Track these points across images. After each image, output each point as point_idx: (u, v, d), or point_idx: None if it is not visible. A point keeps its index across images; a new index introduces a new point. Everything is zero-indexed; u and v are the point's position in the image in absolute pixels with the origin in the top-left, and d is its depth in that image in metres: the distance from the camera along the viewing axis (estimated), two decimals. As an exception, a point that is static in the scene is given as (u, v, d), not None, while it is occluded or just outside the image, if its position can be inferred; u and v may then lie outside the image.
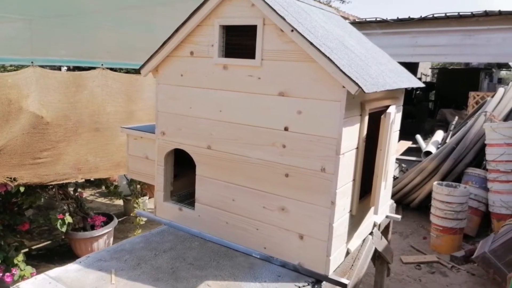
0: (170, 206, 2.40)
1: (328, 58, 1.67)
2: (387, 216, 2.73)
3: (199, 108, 2.17)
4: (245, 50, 1.98)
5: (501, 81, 15.32)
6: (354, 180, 1.98)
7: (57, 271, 1.84)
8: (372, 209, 2.33)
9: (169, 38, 2.14)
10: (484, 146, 4.57)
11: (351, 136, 1.86)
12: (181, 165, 2.55)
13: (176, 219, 2.37)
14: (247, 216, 2.08)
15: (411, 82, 2.36)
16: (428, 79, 18.72)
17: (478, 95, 7.61)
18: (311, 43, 1.70)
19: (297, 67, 1.82)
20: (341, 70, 1.65)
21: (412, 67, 13.64)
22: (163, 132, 2.34)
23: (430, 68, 19.36)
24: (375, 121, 2.25)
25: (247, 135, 2.02)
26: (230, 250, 2.13)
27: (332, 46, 1.85)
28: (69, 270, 1.85)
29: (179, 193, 2.57)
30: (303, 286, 1.84)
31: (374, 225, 2.49)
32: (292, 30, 1.75)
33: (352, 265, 2.25)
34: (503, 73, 19.36)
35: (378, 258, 3.05)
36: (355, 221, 2.11)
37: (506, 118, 4.78)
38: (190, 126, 2.22)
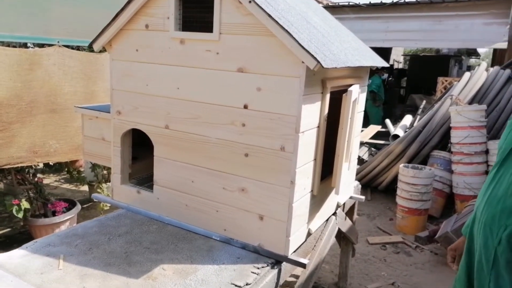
0: (127, 189, 2.30)
1: (287, 31, 1.60)
2: (351, 197, 2.73)
3: (155, 86, 2.06)
4: (204, 24, 1.88)
5: (470, 69, 15.71)
6: (315, 159, 1.94)
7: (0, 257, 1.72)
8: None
9: (122, 9, 2.00)
10: (449, 129, 4.67)
11: (312, 114, 1.81)
12: (141, 147, 2.45)
13: (134, 202, 2.28)
14: (206, 198, 2.01)
15: (375, 61, 2.33)
16: (401, 65, 19.00)
17: (446, 80, 7.76)
18: (270, 16, 1.62)
19: (255, 42, 1.74)
20: (299, 44, 1.58)
21: (384, 53, 13.76)
22: (118, 111, 2.22)
23: (402, 55, 19.62)
24: (339, 101, 2.21)
25: (205, 113, 1.93)
26: (190, 233, 2.07)
27: (292, 20, 1.78)
28: (14, 256, 1.74)
29: (138, 176, 2.47)
30: (262, 267, 1.80)
31: (338, 206, 2.48)
32: (250, 1, 1.66)
33: (315, 245, 2.23)
34: (472, 60, 19.87)
35: (343, 238, 3.07)
36: (316, 201, 2.08)
37: (471, 102, 4.88)
38: (147, 105, 2.11)
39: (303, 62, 1.63)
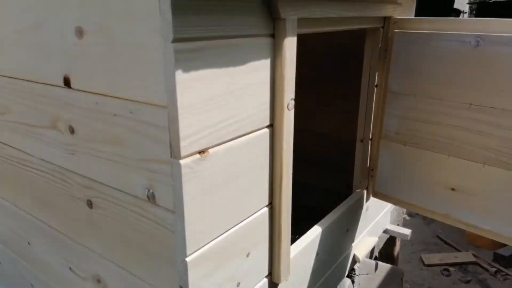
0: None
1: None
2: (385, 231, 1.53)
3: None
4: None
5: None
6: (270, 204, 0.79)
7: None
8: (347, 238, 1.15)
9: None
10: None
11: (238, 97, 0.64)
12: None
13: (-25, 262, 1.29)
14: (51, 280, 0.96)
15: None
16: (466, 16, 16.40)
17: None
18: None
19: None
20: None
21: (446, 2, 11.70)
22: None
23: (467, 3, 16.92)
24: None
25: (14, 101, 0.85)
26: None
27: None
28: None
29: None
30: None
31: (354, 260, 1.31)
32: None
33: None
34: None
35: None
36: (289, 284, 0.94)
37: None
38: None
39: None
